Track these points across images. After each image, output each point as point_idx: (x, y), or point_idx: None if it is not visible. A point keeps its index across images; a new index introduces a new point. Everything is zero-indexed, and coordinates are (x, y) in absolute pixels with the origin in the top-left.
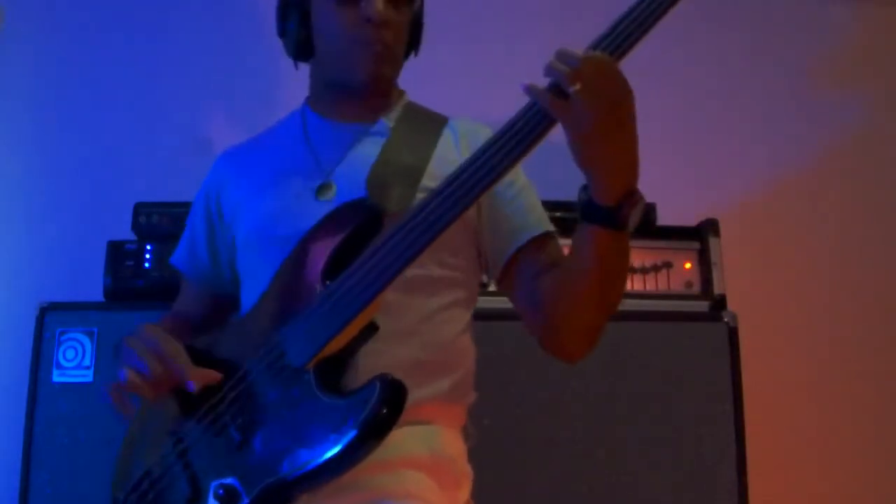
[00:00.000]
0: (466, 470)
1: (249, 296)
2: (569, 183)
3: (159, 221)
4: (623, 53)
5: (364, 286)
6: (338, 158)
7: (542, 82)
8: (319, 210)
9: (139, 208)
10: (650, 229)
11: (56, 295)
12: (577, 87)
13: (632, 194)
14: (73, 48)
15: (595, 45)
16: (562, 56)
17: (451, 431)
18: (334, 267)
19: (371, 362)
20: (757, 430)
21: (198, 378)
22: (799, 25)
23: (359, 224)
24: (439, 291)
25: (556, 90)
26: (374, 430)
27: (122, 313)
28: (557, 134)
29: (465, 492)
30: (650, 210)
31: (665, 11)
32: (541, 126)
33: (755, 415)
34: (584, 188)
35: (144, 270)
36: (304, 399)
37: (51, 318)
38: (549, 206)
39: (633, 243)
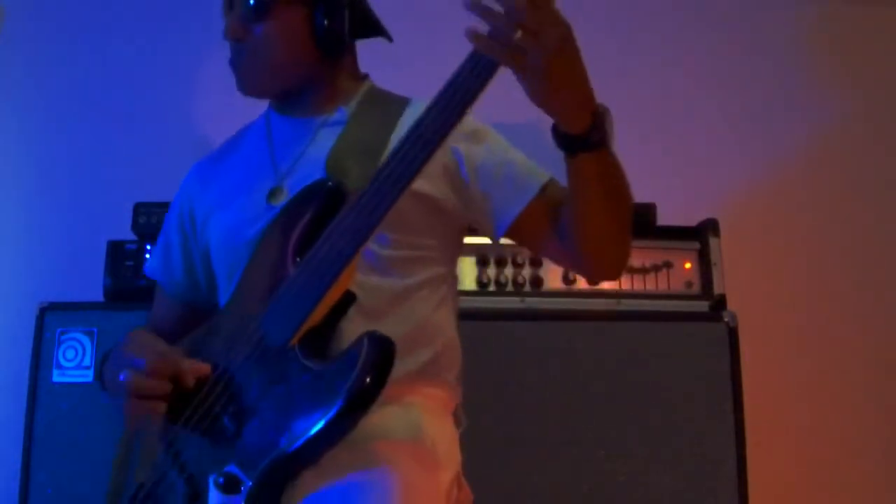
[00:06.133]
0: (452, 454)
1: (225, 299)
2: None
3: (159, 221)
4: None
5: (337, 252)
6: (293, 159)
7: None
8: (271, 215)
9: (139, 208)
10: (650, 229)
11: (56, 295)
12: (519, 34)
13: (597, 113)
14: (73, 48)
15: None
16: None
17: (436, 415)
18: (304, 248)
19: (350, 338)
20: (757, 430)
21: (192, 372)
22: (799, 25)
23: (322, 203)
24: (411, 271)
25: (500, 39)
26: (372, 380)
27: (122, 313)
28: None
29: (447, 473)
30: (650, 210)
31: None
32: (486, 74)
33: (755, 415)
34: (555, 127)
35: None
36: (293, 373)
37: (51, 318)
38: None
39: (632, 243)
